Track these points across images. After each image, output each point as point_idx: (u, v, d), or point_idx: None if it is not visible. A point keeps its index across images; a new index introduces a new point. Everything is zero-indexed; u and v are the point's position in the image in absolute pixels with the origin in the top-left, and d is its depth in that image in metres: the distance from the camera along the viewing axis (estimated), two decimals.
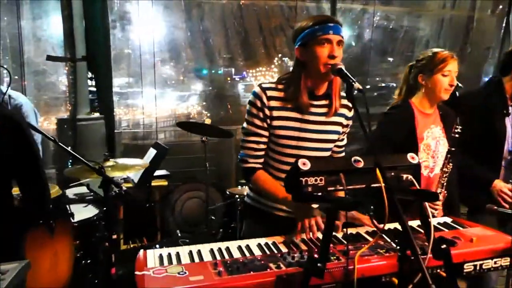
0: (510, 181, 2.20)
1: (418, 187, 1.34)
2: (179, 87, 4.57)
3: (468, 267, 1.42)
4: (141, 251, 1.41)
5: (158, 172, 3.66)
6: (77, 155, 1.86)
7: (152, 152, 3.24)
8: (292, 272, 1.22)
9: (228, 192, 3.60)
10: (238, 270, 1.23)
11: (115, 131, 4.03)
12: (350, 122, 1.82)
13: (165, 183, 3.70)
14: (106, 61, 3.88)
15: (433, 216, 1.98)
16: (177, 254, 1.39)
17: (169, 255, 1.38)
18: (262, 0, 4.43)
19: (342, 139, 1.83)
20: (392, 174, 1.38)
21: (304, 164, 1.27)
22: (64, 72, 3.79)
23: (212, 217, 3.53)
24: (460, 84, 2.56)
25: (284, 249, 1.43)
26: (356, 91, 1.39)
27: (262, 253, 1.40)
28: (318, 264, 1.13)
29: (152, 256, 1.38)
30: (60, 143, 1.82)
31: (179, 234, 3.58)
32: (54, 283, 2.25)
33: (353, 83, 1.40)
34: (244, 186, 3.75)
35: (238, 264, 1.26)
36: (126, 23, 4.03)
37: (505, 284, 2.11)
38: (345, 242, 1.46)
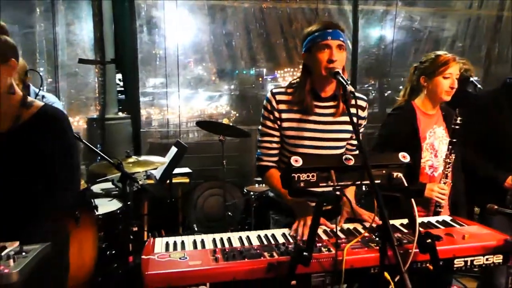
0: None
1: (406, 185, 1.40)
2: (209, 88, 4.70)
3: (458, 263, 1.47)
4: (151, 238, 1.56)
5: (180, 170, 3.85)
6: (98, 151, 2.03)
7: (173, 150, 3.41)
8: (283, 260, 1.32)
9: (245, 190, 3.72)
10: (233, 257, 1.34)
11: (141, 130, 4.25)
12: (364, 122, 1.91)
13: (186, 180, 3.87)
14: (133, 63, 4.10)
15: (440, 207, 2.03)
16: (182, 242, 1.52)
17: (175, 243, 1.51)
18: (284, 3, 4.52)
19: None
20: (384, 172, 1.45)
21: (296, 161, 1.37)
22: (94, 74, 4.04)
23: (230, 213, 3.66)
24: (479, 86, 2.57)
25: (281, 240, 1.53)
26: (349, 93, 1.47)
27: (260, 243, 1.50)
28: (304, 253, 1.22)
29: (160, 243, 1.51)
30: (83, 140, 1.99)
31: (196, 229, 3.74)
32: (80, 270, 2.43)
33: (347, 86, 1.48)
34: (262, 184, 3.86)
35: (235, 252, 1.38)
36: (152, 27, 4.22)
37: (505, 282, 2.11)
38: (340, 236, 1.55)
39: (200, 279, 1.26)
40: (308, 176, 1.39)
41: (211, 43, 4.39)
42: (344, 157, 1.41)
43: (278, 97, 1.80)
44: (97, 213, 2.63)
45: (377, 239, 1.50)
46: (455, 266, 1.47)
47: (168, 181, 3.39)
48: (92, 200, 2.48)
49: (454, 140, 1.99)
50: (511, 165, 2.23)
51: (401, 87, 5.25)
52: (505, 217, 2.17)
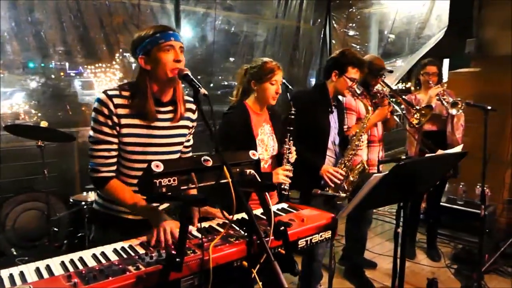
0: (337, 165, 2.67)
1: (259, 180, 1.54)
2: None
3: (301, 243, 1.70)
4: None
5: None
6: None
7: None
8: (152, 270, 1.27)
9: (71, 200, 3.34)
10: (95, 279, 1.21)
11: None
12: (195, 124, 1.93)
13: None
14: None
15: (285, 189, 2.28)
16: (21, 273, 1.28)
17: (11, 276, 1.27)
18: None
19: (189, 140, 1.93)
20: (237, 170, 1.55)
21: (157, 166, 1.33)
22: None
23: (55, 229, 3.22)
24: (290, 87, 2.96)
25: (141, 251, 1.46)
26: (203, 96, 1.50)
27: (119, 258, 1.40)
28: (177, 259, 1.20)
29: None
30: None
31: (15, 253, 3.16)
32: None
33: (199, 88, 1.50)
34: (90, 192, 3.53)
35: (94, 272, 1.24)
36: None
37: (329, 253, 2.56)
38: (199, 236, 1.58)
39: None
40: (169, 181, 1.37)
41: (12, 32, 3.70)
42: (202, 159, 1.45)
43: (116, 101, 1.63)
44: None
45: (232, 232, 1.60)
46: (299, 246, 1.70)
47: None
48: None
49: (291, 128, 2.28)
50: (324, 154, 2.68)
51: (226, 83, 5.64)
52: (320, 198, 2.62)
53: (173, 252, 1.24)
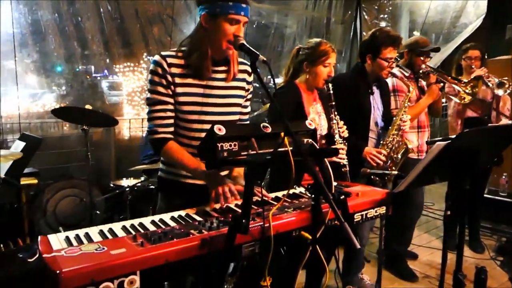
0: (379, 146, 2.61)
1: (317, 148, 1.50)
2: (30, 84, 3.86)
3: (357, 217, 1.65)
4: (39, 237, 1.26)
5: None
6: None
7: (19, 145, 2.84)
8: (215, 234, 1.25)
9: (112, 185, 3.38)
10: (160, 240, 1.20)
11: None
12: (251, 87, 1.88)
13: (34, 181, 3.27)
14: None
15: (344, 166, 2.24)
16: (86, 235, 1.29)
17: (77, 236, 1.27)
18: None
19: (246, 106, 1.88)
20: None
21: (219, 129, 1.31)
22: None
23: (97, 212, 3.26)
24: None
25: (199, 219, 1.44)
26: (262, 62, 1.47)
27: (178, 224, 1.39)
28: (243, 221, 1.18)
29: (56, 240, 1.25)
30: None
31: (62, 231, 3.21)
32: None
33: (257, 55, 1.48)
34: (128, 178, 3.57)
35: (158, 235, 1.23)
36: None
37: (379, 231, 2.48)
38: (255, 207, 1.55)
39: (128, 268, 1.08)
40: (230, 145, 1.36)
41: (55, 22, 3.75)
42: (261, 125, 1.43)
43: (170, 60, 1.64)
44: None
45: (287, 204, 1.57)
46: (355, 220, 1.65)
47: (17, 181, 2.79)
48: None
49: (334, 103, 2.23)
50: (366, 135, 2.62)
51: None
52: (363, 180, 2.56)
53: (238, 214, 1.22)
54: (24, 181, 3.16)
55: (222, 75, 1.73)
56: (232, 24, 1.60)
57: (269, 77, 2.26)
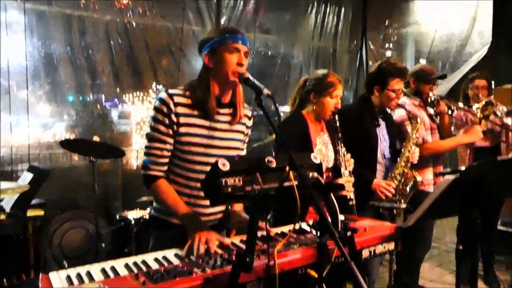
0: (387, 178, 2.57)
1: (323, 183, 1.48)
2: (41, 114, 3.92)
3: (365, 253, 1.61)
4: (40, 275, 1.25)
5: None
6: None
7: (27, 177, 2.86)
8: (219, 273, 1.23)
9: (118, 216, 3.36)
10: (162, 278, 1.18)
11: None
12: (250, 132, 1.90)
13: (41, 212, 3.27)
14: None
15: (350, 199, 2.20)
16: (88, 273, 1.27)
17: (79, 275, 1.25)
18: (150, 20, 4.34)
19: (243, 149, 1.90)
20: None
21: (224, 165, 1.30)
22: None
23: (103, 244, 3.23)
24: None
25: (203, 256, 1.41)
26: (267, 96, 1.48)
27: (181, 261, 1.36)
28: (247, 259, 1.15)
29: (57, 278, 1.23)
30: None
31: (66, 265, 3.19)
32: None
33: (262, 89, 1.49)
34: (134, 210, 3.56)
35: (160, 273, 1.21)
36: None
37: (389, 265, 2.41)
38: (261, 243, 1.52)
39: None
40: (234, 181, 1.34)
41: (67, 55, 3.84)
42: (266, 159, 1.41)
43: (176, 99, 1.64)
44: None
45: (293, 240, 1.53)
46: (363, 256, 1.61)
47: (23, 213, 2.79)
48: None
49: (340, 135, 2.22)
50: (374, 167, 2.59)
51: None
52: (371, 212, 2.51)
53: (242, 251, 1.19)
54: (31, 212, 3.17)
55: (227, 118, 1.75)
56: (233, 53, 1.63)
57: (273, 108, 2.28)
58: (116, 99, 4.38)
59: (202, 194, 1.64)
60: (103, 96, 4.30)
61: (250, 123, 1.87)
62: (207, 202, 1.44)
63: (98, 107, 4.30)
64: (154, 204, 1.84)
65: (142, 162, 1.71)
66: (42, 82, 3.75)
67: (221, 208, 1.83)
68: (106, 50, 3.96)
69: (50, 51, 3.70)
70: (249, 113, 1.85)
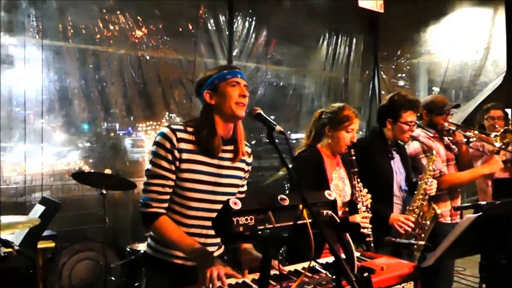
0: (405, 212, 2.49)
1: (338, 221, 1.43)
2: (56, 143, 3.98)
3: None
4: None
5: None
6: None
7: (38, 209, 2.85)
8: None
9: (128, 248, 3.31)
10: None
11: None
12: (250, 168, 1.87)
13: (52, 244, 3.24)
14: None
15: (368, 236, 2.12)
16: None
17: None
18: (162, 53, 4.44)
19: (243, 185, 1.87)
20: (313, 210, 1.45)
21: (235, 203, 1.27)
22: None
23: (112, 278, 3.16)
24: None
25: None
26: (277, 134, 1.46)
27: None
28: None
29: None
30: None
31: None
32: None
33: (274, 126, 1.47)
34: (144, 242, 3.50)
35: None
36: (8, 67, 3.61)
37: None
38: (274, 283, 1.46)
39: None
40: (246, 220, 1.30)
41: (81, 88, 3.94)
42: (279, 197, 1.38)
43: (179, 135, 1.62)
44: None
45: (307, 280, 1.47)
46: None
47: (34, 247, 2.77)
48: None
49: (356, 169, 2.17)
50: (391, 201, 2.52)
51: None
52: (388, 248, 2.42)
53: None
54: (41, 244, 3.14)
55: (229, 155, 1.73)
56: (234, 86, 1.64)
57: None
58: (129, 128, 4.44)
59: (198, 231, 1.66)
60: (117, 125, 4.36)
61: (250, 159, 1.85)
62: (203, 240, 1.41)
63: (112, 134, 4.35)
64: (149, 241, 1.78)
65: (141, 199, 1.66)
66: (57, 115, 3.83)
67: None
68: (120, 83, 4.04)
69: (66, 84, 3.79)
70: (249, 150, 1.84)
